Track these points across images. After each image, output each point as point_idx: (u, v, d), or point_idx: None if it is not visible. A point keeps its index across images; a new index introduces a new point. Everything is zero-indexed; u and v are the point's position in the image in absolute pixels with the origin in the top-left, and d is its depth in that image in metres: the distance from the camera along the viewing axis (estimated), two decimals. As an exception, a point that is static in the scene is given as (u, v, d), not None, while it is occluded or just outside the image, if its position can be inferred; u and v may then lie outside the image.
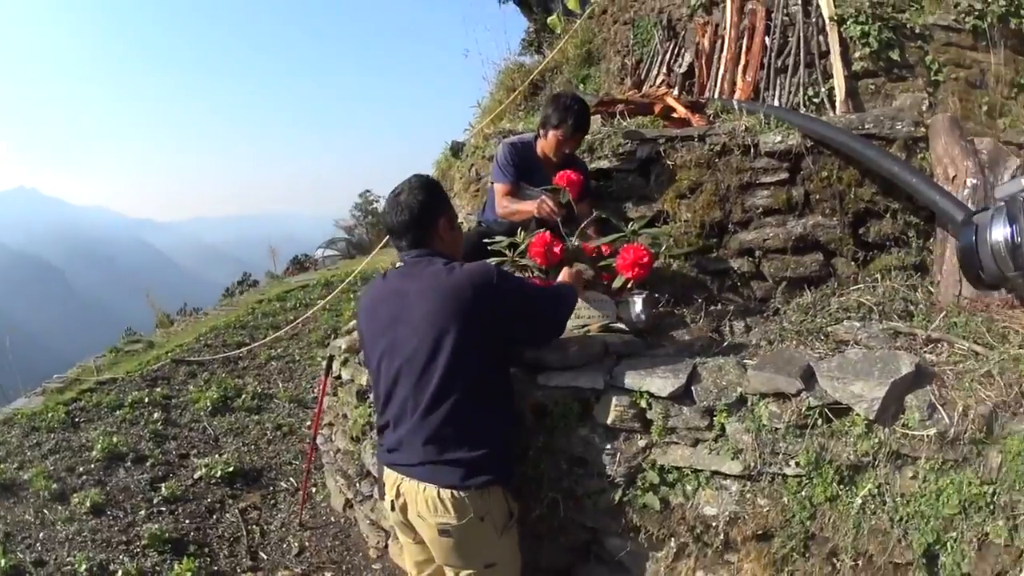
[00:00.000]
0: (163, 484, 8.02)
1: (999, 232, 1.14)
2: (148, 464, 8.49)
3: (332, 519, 7.55)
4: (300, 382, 11.37)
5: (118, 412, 9.77)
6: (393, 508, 4.18)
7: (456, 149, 9.91)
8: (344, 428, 7.09)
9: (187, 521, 7.40)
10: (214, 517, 7.53)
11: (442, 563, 4.20)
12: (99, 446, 8.52)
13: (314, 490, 8.12)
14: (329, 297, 14.35)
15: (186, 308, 18.45)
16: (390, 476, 4.18)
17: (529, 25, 18.93)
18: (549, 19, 16.18)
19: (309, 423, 9.38)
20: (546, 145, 6.23)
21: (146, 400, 10.19)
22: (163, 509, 7.56)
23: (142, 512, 7.45)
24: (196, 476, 8.24)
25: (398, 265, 4.34)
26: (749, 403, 4.35)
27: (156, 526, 7.12)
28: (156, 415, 9.74)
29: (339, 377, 7.26)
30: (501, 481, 4.12)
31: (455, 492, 3.91)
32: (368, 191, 28.67)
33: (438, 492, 3.91)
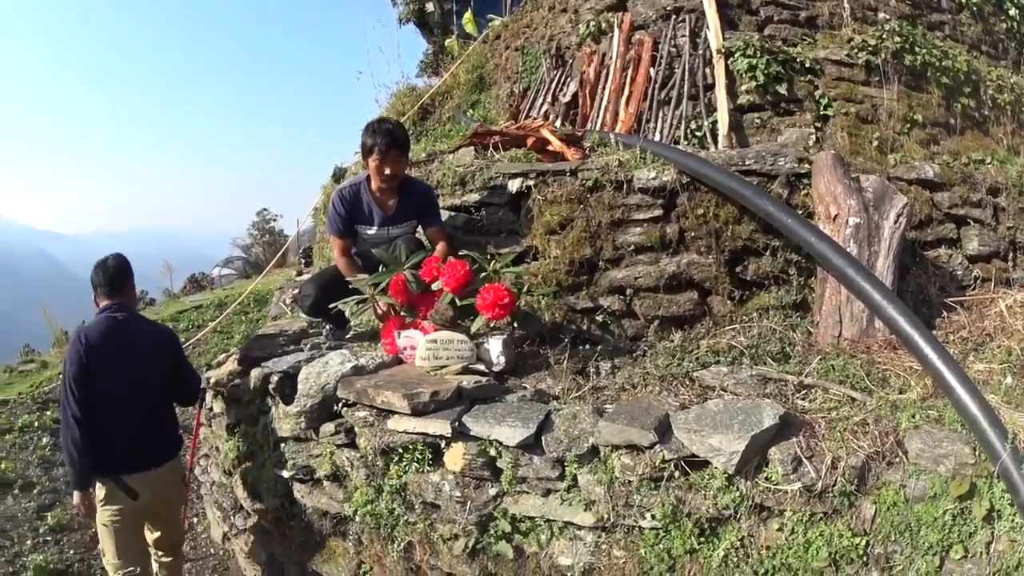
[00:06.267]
0: (49, 513, 7.96)
1: None
2: (35, 492, 8.41)
3: (212, 550, 7.46)
4: (189, 408, 11.10)
5: (8, 436, 9.69)
6: None
7: (338, 175, 9.72)
8: (217, 461, 6.95)
9: (72, 552, 7.34)
10: (98, 548, 7.14)
11: None
12: (-13, 472, 8.31)
13: (195, 520, 7.98)
14: (219, 319, 14.08)
15: (84, 324, 18.16)
16: None
17: (428, 47, 18.87)
18: (447, 42, 16.16)
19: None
20: (372, 175, 6.06)
21: (36, 424, 10.08)
22: (49, 539, 7.51)
23: (28, 542, 7.39)
24: (82, 505, 8.07)
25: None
26: (601, 454, 4.22)
27: (41, 557, 7.06)
28: (45, 440, 9.62)
29: (211, 409, 7.10)
30: None
31: None
32: (265, 209, 28.13)
33: None
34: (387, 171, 5.89)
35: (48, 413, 10.36)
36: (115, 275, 5.65)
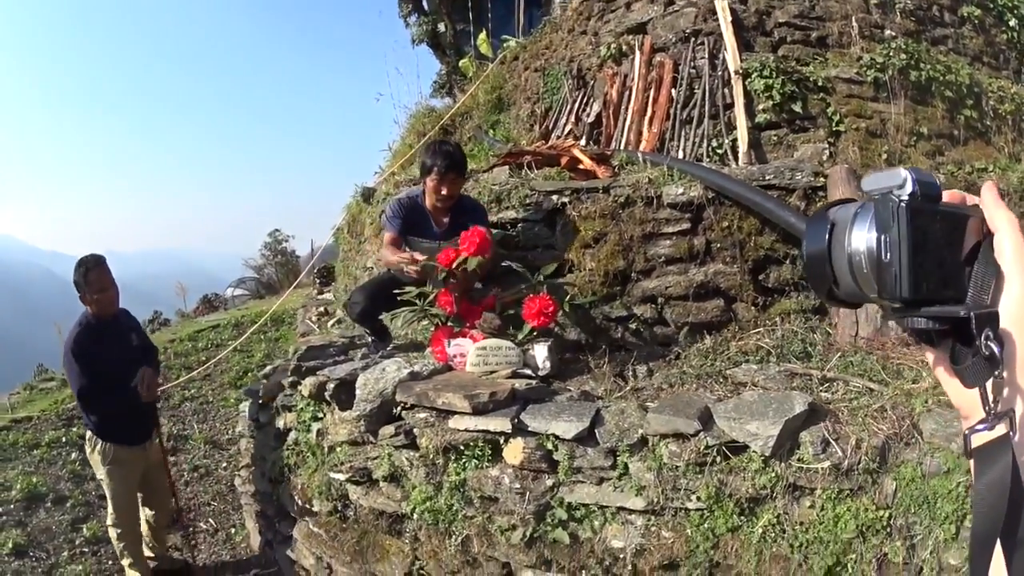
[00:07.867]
0: (84, 525, 8.07)
1: (861, 238, 0.96)
2: (68, 505, 8.50)
3: (253, 559, 7.62)
4: (214, 423, 11.30)
5: (35, 451, 9.73)
6: None
7: (367, 195, 9.99)
8: (263, 470, 7.15)
9: (110, 563, 7.42)
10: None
11: None
12: (18, 486, 8.52)
13: (233, 530, 8.20)
14: (241, 339, 14.25)
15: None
16: None
17: (441, 68, 19.08)
18: (461, 63, 16.30)
19: (225, 464, 9.39)
20: (428, 193, 6.32)
21: (63, 439, 10.14)
22: (85, 550, 7.61)
23: (64, 553, 7.50)
24: (117, 518, 8.18)
25: None
26: (650, 443, 4.54)
27: (79, 567, 7.21)
28: (74, 455, 9.66)
29: (257, 419, 7.34)
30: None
31: None
32: (278, 230, 27.85)
33: None
34: (444, 191, 6.17)
35: (74, 429, 10.43)
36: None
